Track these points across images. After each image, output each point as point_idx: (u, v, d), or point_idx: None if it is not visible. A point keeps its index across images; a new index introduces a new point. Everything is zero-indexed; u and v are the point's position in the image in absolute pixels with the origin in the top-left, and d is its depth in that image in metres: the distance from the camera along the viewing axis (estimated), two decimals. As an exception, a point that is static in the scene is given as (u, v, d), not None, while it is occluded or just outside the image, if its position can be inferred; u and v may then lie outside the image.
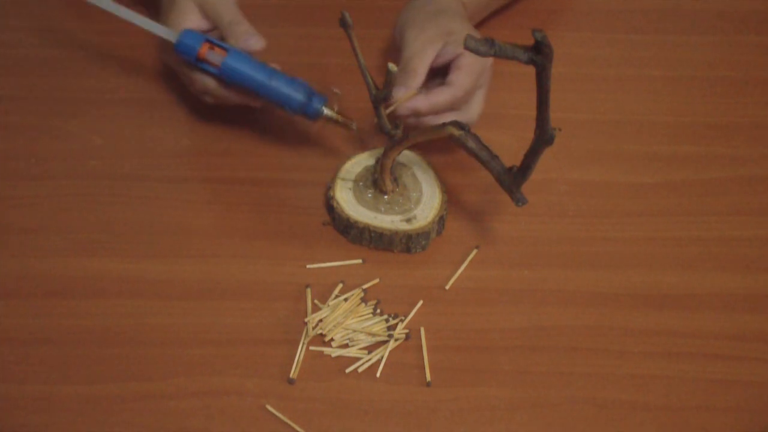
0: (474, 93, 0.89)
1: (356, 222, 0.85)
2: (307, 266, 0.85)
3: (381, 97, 0.82)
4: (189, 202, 0.91)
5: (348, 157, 0.91)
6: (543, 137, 0.77)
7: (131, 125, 0.97)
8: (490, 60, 0.89)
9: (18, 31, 1.06)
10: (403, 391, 0.78)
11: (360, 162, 0.91)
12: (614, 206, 0.91)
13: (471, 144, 0.82)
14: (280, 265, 0.85)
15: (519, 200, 0.82)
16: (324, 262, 0.86)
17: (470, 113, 0.89)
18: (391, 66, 0.78)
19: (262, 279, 0.85)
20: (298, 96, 0.87)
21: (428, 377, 0.78)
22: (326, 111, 0.88)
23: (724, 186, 0.92)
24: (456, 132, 0.81)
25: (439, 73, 0.89)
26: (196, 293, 0.83)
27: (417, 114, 0.86)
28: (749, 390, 0.78)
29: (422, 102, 0.85)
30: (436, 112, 0.86)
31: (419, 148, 0.89)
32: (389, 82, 0.79)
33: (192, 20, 0.89)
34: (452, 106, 0.87)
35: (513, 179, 0.82)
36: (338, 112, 0.89)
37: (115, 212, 0.89)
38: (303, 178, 0.92)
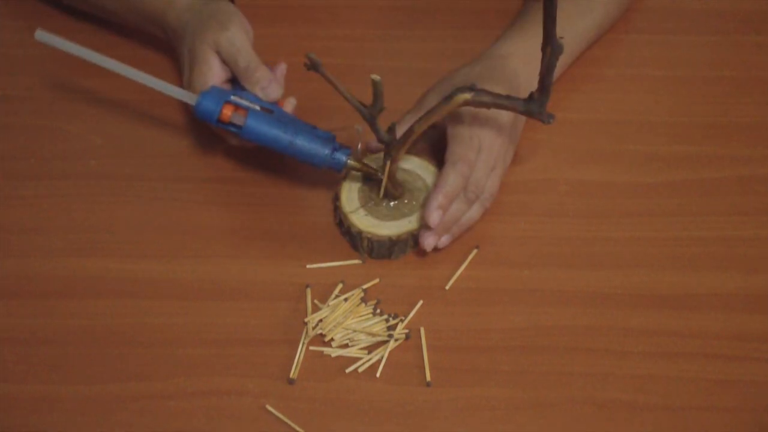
0: (477, 160, 0.84)
1: (389, 238, 0.84)
2: (307, 266, 0.85)
3: (376, 111, 0.80)
4: (189, 202, 0.91)
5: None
6: (554, 50, 0.75)
7: (131, 125, 0.97)
8: (475, 126, 0.84)
9: (18, 31, 1.06)
10: (403, 391, 0.78)
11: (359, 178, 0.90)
12: (614, 206, 0.91)
13: (487, 99, 0.78)
14: (280, 265, 0.85)
15: (548, 118, 0.79)
16: (324, 262, 0.86)
17: (479, 182, 0.84)
18: (374, 77, 0.76)
19: (262, 279, 0.85)
20: (321, 152, 0.84)
21: (428, 377, 0.78)
22: (351, 162, 0.86)
23: (724, 186, 0.92)
24: (467, 96, 0.78)
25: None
26: (196, 293, 0.83)
27: (444, 225, 0.83)
28: (749, 390, 0.78)
29: (435, 207, 0.82)
30: (453, 197, 0.83)
31: (422, 150, 0.89)
32: (377, 93, 0.78)
33: (215, 73, 0.87)
34: (464, 182, 0.83)
35: (538, 103, 0.78)
36: (362, 162, 0.86)
37: (115, 212, 0.89)
38: (303, 178, 0.92)
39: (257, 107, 0.85)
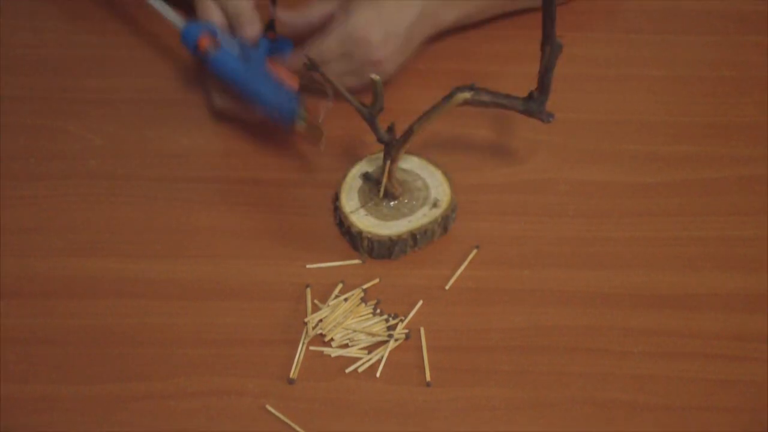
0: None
1: (389, 237, 0.84)
2: (307, 266, 0.85)
3: (376, 111, 0.80)
4: (189, 202, 0.91)
5: (348, 169, 0.90)
6: (554, 49, 0.75)
7: (131, 125, 0.97)
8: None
9: (18, 31, 1.06)
10: (403, 391, 0.78)
11: (362, 169, 0.90)
12: (614, 206, 0.91)
13: (486, 98, 0.79)
14: (280, 265, 0.85)
15: (547, 117, 0.80)
16: (324, 262, 0.86)
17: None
18: (374, 76, 0.77)
19: (262, 279, 0.85)
20: (275, 98, 0.88)
21: (428, 377, 0.78)
22: (301, 114, 0.88)
23: (724, 186, 0.92)
24: (467, 95, 0.78)
25: None
26: (196, 293, 0.83)
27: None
28: (749, 390, 0.78)
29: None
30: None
31: (421, 150, 0.90)
32: (377, 93, 0.78)
33: (213, 14, 0.91)
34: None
35: (537, 103, 0.80)
36: (311, 123, 0.89)
37: (115, 212, 0.89)
38: (303, 178, 0.92)
39: (234, 44, 0.89)
